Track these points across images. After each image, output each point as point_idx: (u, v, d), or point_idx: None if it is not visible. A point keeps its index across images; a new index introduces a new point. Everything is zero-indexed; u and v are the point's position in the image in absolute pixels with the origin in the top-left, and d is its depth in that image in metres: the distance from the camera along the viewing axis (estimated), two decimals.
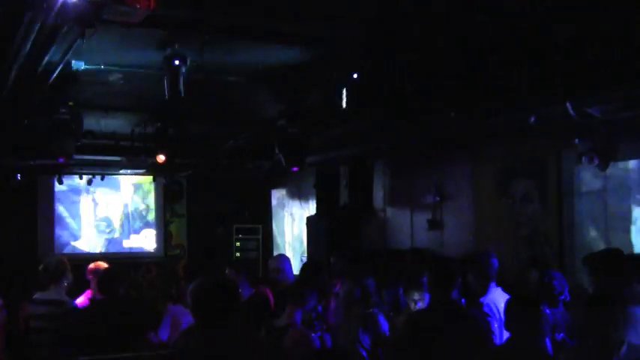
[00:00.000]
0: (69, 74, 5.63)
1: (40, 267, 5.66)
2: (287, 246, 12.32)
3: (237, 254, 12.66)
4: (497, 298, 4.53)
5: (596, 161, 5.90)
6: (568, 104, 5.34)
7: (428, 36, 5.34)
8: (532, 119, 5.84)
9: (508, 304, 3.80)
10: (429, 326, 4.03)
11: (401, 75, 6.53)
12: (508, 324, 3.71)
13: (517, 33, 5.20)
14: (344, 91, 6.09)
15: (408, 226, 9.08)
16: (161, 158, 8.39)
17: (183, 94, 5.50)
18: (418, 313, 4.64)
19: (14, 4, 4.25)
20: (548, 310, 4.87)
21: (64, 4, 3.75)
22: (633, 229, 6.06)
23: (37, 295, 5.53)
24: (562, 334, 4.81)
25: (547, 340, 4.57)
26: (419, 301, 4.82)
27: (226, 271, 6.42)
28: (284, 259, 6.98)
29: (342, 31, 5.23)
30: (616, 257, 4.30)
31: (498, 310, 4.38)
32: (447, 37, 5.37)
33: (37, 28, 4.23)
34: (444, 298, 4.19)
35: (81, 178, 11.96)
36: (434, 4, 4.68)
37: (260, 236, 13.01)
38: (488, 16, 4.88)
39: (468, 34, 5.26)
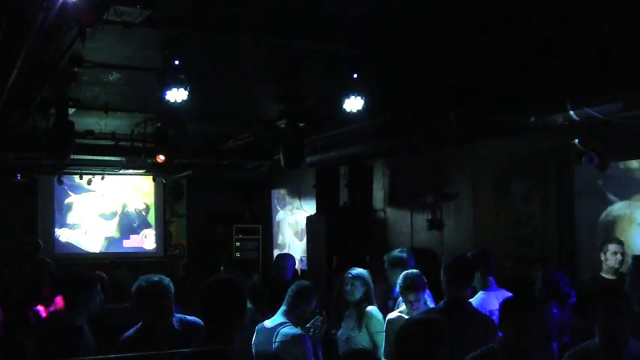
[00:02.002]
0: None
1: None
2: (287, 246, 12.32)
3: (237, 254, 12.66)
4: None
5: (596, 161, 5.90)
6: (568, 104, 5.35)
7: (429, 36, 5.35)
8: (532, 119, 5.84)
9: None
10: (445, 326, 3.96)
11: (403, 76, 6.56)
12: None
13: (517, 34, 5.21)
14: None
15: (408, 226, 9.07)
16: (161, 158, 8.38)
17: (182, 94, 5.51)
18: (433, 312, 4.55)
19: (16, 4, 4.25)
20: (555, 311, 4.77)
21: (64, 4, 3.75)
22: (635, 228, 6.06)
23: None
24: (568, 339, 4.72)
25: (554, 344, 4.51)
26: (415, 302, 4.77)
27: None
28: (289, 258, 7.02)
29: (345, 33, 5.24)
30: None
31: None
32: (449, 39, 5.38)
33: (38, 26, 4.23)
34: (460, 297, 4.15)
35: (81, 178, 11.97)
36: (437, 7, 4.67)
37: (260, 236, 13.00)
38: (490, 18, 4.88)
39: (469, 34, 5.26)
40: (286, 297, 4.57)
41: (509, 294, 4.58)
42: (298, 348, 4.28)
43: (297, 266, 8.89)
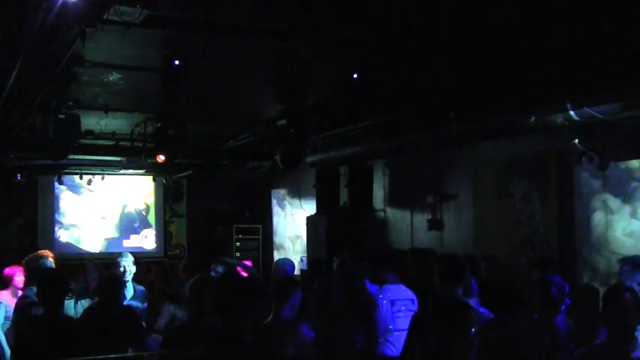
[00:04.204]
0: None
1: None
2: (287, 246, 12.32)
3: (237, 254, 12.66)
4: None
5: (596, 161, 5.89)
6: (568, 104, 5.34)
7: (429, 37, 5.35)
8: (532, 119, 5.84)
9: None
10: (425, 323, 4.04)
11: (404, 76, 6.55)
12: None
13: (518, 34, 5.21)
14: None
15: (408, 226, 9.07)
16: (161, 158, 8.37)
17: (183, 95, 5.51)
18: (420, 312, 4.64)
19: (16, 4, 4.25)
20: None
21: (64, 4, 3.75)
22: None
23: None
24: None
25: None
26: None
27: None
28: (289, 263, 7.11)
29: (345, 33, 5.23)
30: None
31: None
32: (449, 38, 5.38)
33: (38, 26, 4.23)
34: (451, 294, 4.20)
35: (81, 178, 11.96)
36: (436, 5, 4.67)
37: (260, 236, 13.00)
38: (490, 18, 4.88)
39: (469, 35, 5.26)
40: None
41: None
42: (291, 336, 4.33)
43: (296, 266, 8.92)
